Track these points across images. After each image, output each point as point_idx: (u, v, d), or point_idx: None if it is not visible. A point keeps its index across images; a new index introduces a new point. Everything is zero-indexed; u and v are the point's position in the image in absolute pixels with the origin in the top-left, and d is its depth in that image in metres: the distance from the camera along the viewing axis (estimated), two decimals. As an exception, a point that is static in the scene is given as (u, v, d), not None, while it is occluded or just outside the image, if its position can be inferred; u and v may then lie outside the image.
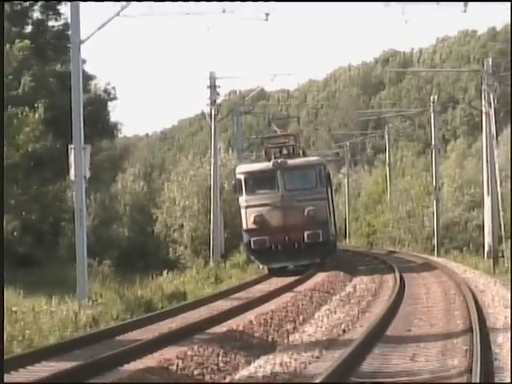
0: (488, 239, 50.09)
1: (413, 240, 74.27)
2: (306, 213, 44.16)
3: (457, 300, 30.87)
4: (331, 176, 65.26)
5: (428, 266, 51.03)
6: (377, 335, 21.93)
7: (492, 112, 50.88)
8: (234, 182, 47.02)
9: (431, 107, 71.05)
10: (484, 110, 51.91)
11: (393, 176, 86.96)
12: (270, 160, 46.50)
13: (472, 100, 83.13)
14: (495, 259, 46.41)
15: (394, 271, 44.22)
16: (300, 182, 45.68)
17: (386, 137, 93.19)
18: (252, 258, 47.06)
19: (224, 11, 39.18)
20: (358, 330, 23.30)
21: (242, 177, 45.23)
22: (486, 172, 50.88)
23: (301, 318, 26.25)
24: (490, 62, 53.27)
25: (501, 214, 49.76)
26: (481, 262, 49.95)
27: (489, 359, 17.31)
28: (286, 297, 31.34)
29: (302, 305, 29.20)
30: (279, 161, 45.02)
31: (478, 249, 55.46)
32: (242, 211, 45.28)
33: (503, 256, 45.99)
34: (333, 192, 61.84)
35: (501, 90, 58.09)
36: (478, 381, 14.00)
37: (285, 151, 47.76)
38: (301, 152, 49.83)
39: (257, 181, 45.18)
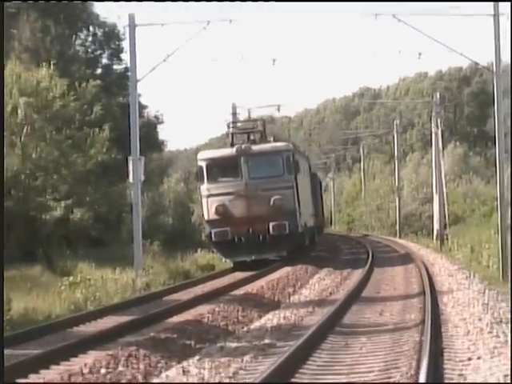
0: (436, 226, 49.78)
1: (381, 226, 73.56)
2: (271, 202, 31.15)
3: (413, 270, 30.31)
4: (314, 171, 51.17)
5: (392, 246, 50.43)
6: (355, 296, 21.82)
7: (439, 132, 50.58)
8: (195, 169, 34.28)
9: (394, 129, 70.80)
10: (433, 131, 51.78)
11: (366, 179, 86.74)
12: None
13: (425, 123, 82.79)
14: (441, 241, 46.09)
15: (367, 250, 42.33)
16: (265, 169, 32.28)
17: (361, 150, 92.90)
18: (214, 250, 34.32)
19: (242, 58, 38.81)
20: (341, 292, 23.10)
21: (203, 164, 32.13)
22: (435, 176, 50.45)
23: (299, 283, 26.02)
24: (438, 96, 53.30)
25: (446, 207, 49.53)
26: (431, 242, 49.55)
27: (437, 314, 17.15)
28: (287, 269, 30.22)
29: (300, 274, 28.65)
30: (243, 146, 32.25)
31: (428, 233, 54.87)
32: (204, 200, 32.32)
33: (447, 238, 45.69)
34: (322, 189, 56.87)
35: (445, 116, 58.21)
36: (429, 329, 13.84)
37: (252, 137, 34.15)
38: (272, 139, 35.82)
39: (219, 168, 32.10)
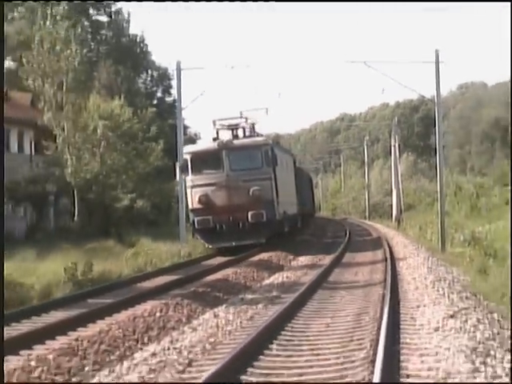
0: (394, 212, 49.54)
1: (355, 212, 73.79)
2: (250, 193, 25.73)
3: (378, 243, 29.89)
4: (302, 168, 47.47)
5: (363, 226, 50.12)
6: (337, 262, 21.52)
7: (396, 145, 50.76)
8: (181, 162, 28.29)
9: (365, 143, 70.80)
10: (392, 144, 51.95)
11: (345, 179, 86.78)
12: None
13: (386, 139, 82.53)
14: (398, 222, 46.02)
15: (345, 228, 41.92)
16: (245, 162, 26.62)
17: (341, 158, 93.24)
18: (198, 237, 27.15)
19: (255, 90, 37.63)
20: (327, 259, 22.69)
21: (188, 157, 26.76)
22: (393, 177, 50.52)
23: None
24: (396, 120, 54.14)
25: (401, 198, 49.37)
26: (390, 223, 49.25)
27: (395, 274, 16.87)
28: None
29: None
30: (224, 141, 26.88)
31: (389, 217, 54.74)
32: (188, 191, 26.74)
33: (402, 220, 45.64)
34: (312, 184, 52.63)
35: (401, 134, 58.51)
36: (389, 285, 13.77)
37: (235, 133, 28.32)
38: (256, 135, 29.03)
39: (202, 161, 26.44)
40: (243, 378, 8.04)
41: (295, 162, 36.00)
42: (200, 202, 25.14)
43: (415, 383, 4.82)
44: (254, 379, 7.96)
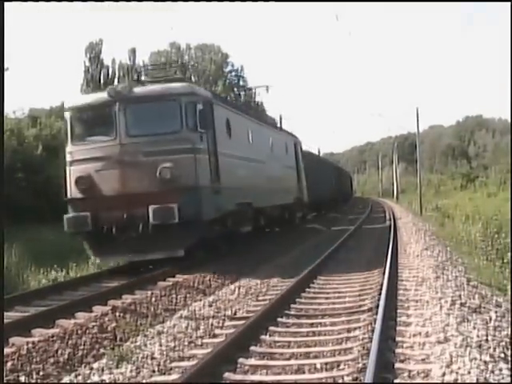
0: (395, 193, 71.43)
1: (374, 193, 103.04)
2: (157, 173, 13.23)
3: (386, 207, 47.39)
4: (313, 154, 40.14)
5: (378, 200, 73.13)
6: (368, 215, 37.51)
7: (396, 158, 75.62)
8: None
9: (379, 157, 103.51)
10: (394, 158, 75.94)
11: (369, 177, 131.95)
12: None
13: (390, 155, 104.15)
14: (397, 199, 67.07)
15: (369, 202, 62.14)
16: (152, 122, 13.69)
17: (367, 166, 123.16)
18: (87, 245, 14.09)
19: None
20: (366, 212, 40.46)
21: (67, 115, 14.38)
22: (394, 175, 73.72)
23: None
24: (396, 144, 77.26)
25: (399, 187, 72.03)
26: (392, 200, 69.12)
27: (396, 225, 25.08)
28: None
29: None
30: (119, 88, 14.09)
31: (392, 196, 74.31)
32: (67, 170, 14.11)
33: (398, 198, 66.60)
34: (352, 180, 62.36)
35: (398, 152, 77.38)
36: (392, 237, 18.19)
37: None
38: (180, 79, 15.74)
39: (86, 121, 14.21)
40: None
41: (296, 145, 26.42)
42: (78, 187, 13.90)
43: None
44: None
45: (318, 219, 32.73)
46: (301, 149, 27.47)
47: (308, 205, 27.59)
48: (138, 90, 14.07)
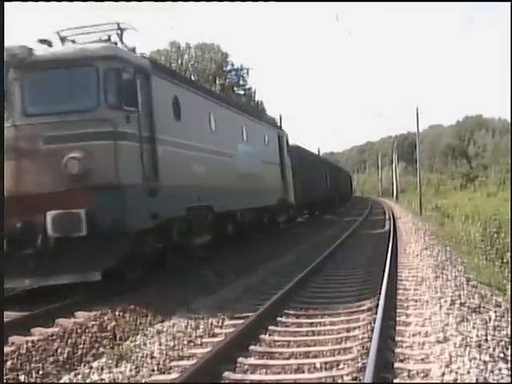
0: (395, 193, 71.60)
1: (373, 193, 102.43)
2: (63, 167, 8.98)
3: (386, 207, 47.63)
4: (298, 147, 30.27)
5: (377, 200, 72.79)
6: (368, 214, 37.57)
7: (396, 158, 75.07)
8: None
9: (379, 157, 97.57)
10: (394, 158, 75.00)
11: (368, 176, 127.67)
12: None
13: (390, 154, 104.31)
14: (397, 198, 67.19)
15: (368, 202, 61.52)
16: (59, 97, 9.17)
17: (367, 165, 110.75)
18: None
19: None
20: (366, 212, 40.88)
21: None
22: (394, 174, 73.59)
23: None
24: (395, 144, 79.05)
25: (398, 186, 71.90)
26: (392, 199, 69.61)
27: (396, 225, 25.46)
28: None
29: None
30: (15, 50, 9.18)
31: (392, 196, 75.08)
32: None
33: (398, 198, 67.21)
34: (351, 179, 63.00)
35: (398, 152, 77.94)
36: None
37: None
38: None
39: None
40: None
41: (281, 139, 22.54)
42: None
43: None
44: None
45: (311, 222, 29.77)
46: (287, 143, 23.64)
47: (296, 207, 23.86)
48: (40, 52, 9.75)
